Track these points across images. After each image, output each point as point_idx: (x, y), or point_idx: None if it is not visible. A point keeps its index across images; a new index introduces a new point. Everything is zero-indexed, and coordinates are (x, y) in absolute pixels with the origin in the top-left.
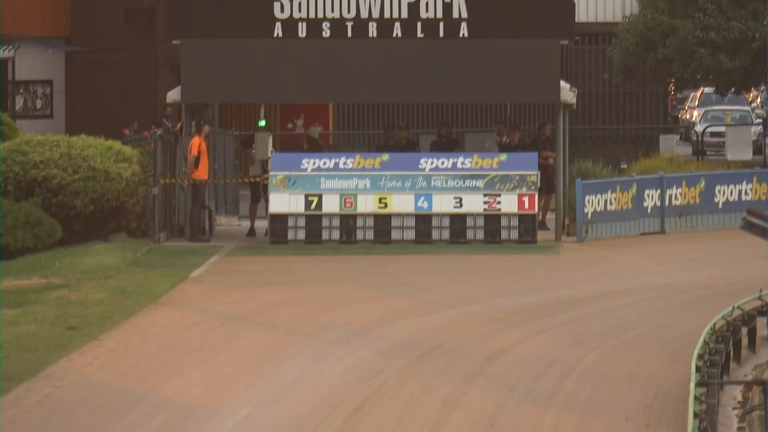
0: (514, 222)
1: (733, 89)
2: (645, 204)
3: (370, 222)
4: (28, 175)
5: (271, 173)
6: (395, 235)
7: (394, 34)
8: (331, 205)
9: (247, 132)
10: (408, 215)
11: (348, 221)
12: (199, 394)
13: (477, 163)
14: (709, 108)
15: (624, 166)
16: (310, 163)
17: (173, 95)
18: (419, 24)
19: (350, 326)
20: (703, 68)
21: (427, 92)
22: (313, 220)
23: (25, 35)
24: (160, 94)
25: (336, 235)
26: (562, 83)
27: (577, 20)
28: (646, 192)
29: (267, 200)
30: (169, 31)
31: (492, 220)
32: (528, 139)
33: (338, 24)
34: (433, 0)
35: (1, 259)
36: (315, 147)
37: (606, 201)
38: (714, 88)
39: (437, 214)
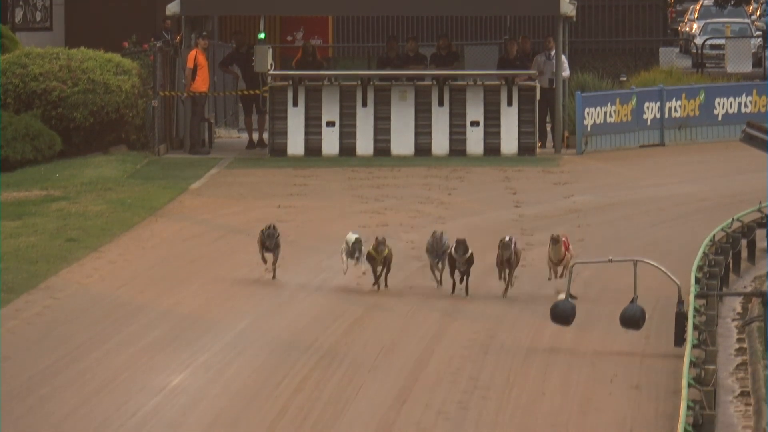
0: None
1: (732, 1)
2: (645, 116)
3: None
4: (27, 88)
5: (271, 85)
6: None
7: None
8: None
9: (230, 45)
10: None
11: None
12: (199, 306)
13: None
14: (708, 20)
15: (624, 78)
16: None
17: (173, 8)
18: None
19: None
20: None
21: (427, 4)
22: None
23: None
24: (160, 7)
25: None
26: None
27: None
28: (646, 104)
29: (265, 113)
30: None
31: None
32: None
33: None
34: None
35: (1, 171)
36: (311, 60)
37: (606, 113)
38: (713, 1)
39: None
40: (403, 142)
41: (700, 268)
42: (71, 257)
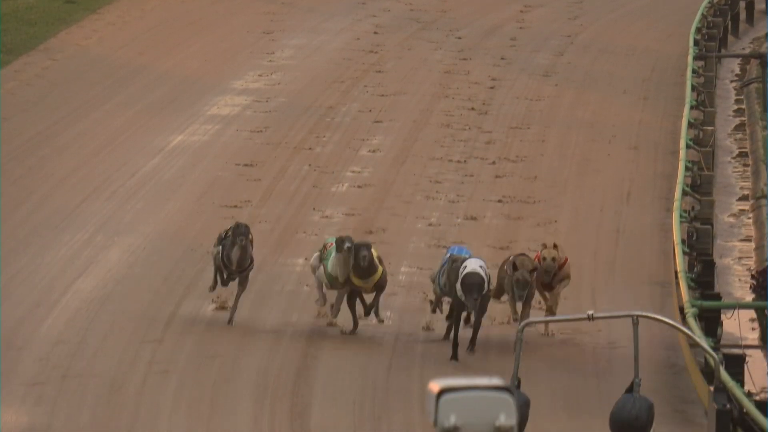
0: None
1: None
2: None
3: None
4: None
5: None
6: None
7: None
8: None
9: None
10: None
11: None
12: (197, 68)
13: None
14: None
15: None
16: None
17: None
18: None
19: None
20: None
21: None
22: None
23: None
24: None
25: None
26: None
27: None
28: None
29: None
30: None
31: None
32: None
33: None
34: None
35: None
36: None
37: None
38: None
39: None
40: None
41: (698, 30)
42: (70, 19)
